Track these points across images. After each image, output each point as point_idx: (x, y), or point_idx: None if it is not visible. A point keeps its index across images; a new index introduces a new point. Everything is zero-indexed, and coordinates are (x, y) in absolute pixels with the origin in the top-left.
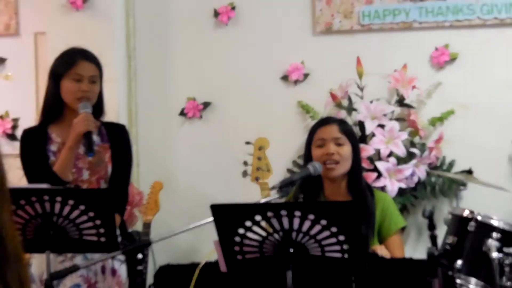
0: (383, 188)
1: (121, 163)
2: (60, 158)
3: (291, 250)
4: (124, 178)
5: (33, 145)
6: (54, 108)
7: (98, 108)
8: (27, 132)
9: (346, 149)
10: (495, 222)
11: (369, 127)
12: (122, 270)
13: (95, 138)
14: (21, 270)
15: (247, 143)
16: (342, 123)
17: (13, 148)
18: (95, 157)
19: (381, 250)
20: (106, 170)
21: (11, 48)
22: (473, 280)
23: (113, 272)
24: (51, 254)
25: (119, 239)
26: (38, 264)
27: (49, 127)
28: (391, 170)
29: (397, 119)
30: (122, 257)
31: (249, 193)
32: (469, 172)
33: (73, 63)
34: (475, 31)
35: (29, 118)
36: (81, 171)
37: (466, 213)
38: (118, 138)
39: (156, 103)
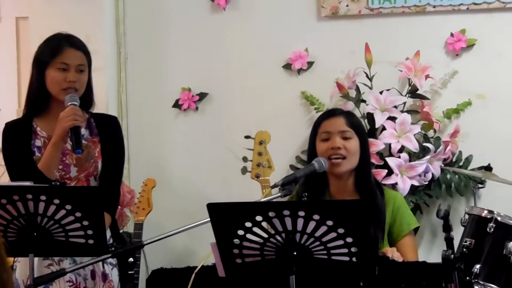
0: (394, 186)
1: (112, 159)
2: (44, 155)
3: (295, 253)
4: (116, 175)
5: (17, 139)
6: (39, 99)
7: (86, 99)
8: (10, 126)
9: (353, 143)
10: None
11: (379, 120)
12: (114, 274)
13: (84, 131)
14: (4, 275)
15: (247, 137)
16: (349, 116)
17: None
18: (83, 152)
19: (392, 253)
20: (96, 166)
21: None
22: (492, 286)
23: (104, 276)
24: (36, 257)
25: (110, 241)
26: (23, 268)
27: (34, 120)
28: (402, 166)
29: (409, 111)
30: (114, 260)
31: (249, 191)
32: (488, 168)
33: (58, 51)
34: (494, 15)
35: (11, 110)
36: (68, 167)
37: (484, 213)
38: (108, 131)
39: (148, 94)
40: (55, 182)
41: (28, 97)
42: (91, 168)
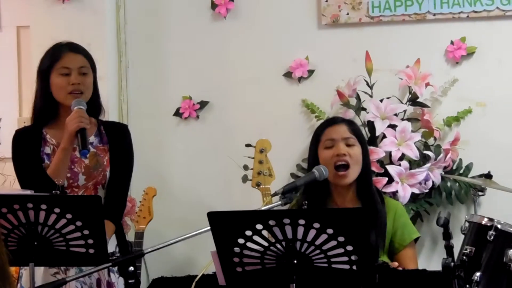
0: (394, 194)
1: (120, 167)
2: (54, 160)
3: (295, 262)
4: (124, 184)
5: (27, 147)
6: (46, 108)
7: (94, 105)
8: (20, 133)
9: (357, 151)
10: None
11: (379, 128)
12: (120, 283)
13: (93, 139)
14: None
15: (248, 145)
16: (351, 123)
17: None
18: (92, 160)
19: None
20: (104, 175)
21: None
22: None
23: (109, 285)
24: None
25: (116, 249)
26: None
27: (44, 128)
28: (403, 174)
29: (410, 119)
30: None
31: (249, 199)
32: (488, 176)
33: (58, 56)
34: (494, 23)
35: (12, 118)
36: (76, 175)
37: (485, 221)
38: (118, 139)
39: (149, 103)
40: (55, 191)
41: (34, 107)
42: (99, 176)
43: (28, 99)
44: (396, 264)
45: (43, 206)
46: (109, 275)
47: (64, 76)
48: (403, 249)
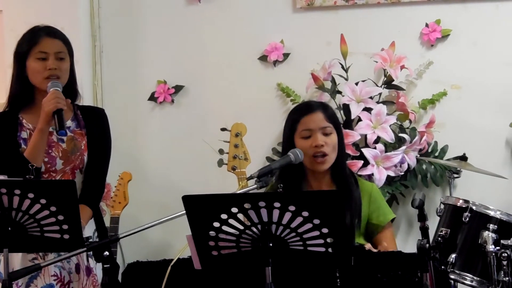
0: (370, 177)
1: (98, 151)
2: (30, 142)
3: (271, 245)
4: (102, 168)
5: (3, 131)
6: (22, 93)
7: (71, 90)
8: None
9: (334, 138)
10: (491, 212)
11: (355, 111)
12: (98, 268)
13: (70, 123)
14: None
15: (223, 129)
16: (326, 109)
17: None
18: (69, 144)
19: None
20: (82, 159)
21: None
22: (468, 275)
23: (88, 270)
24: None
25: (94, 234)
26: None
27: (20, 113)
28: (378, 157)
29: (385, 102)
30: None
31: (225, 183)
32: (463, 158)
33: (35, 41)
34: (469, 6)
35: None
36: (54, 160)
37: (460, 202)
38: (95, 124)
39: (123, 87)
40: (29, 176)
41: (10, 91)
42: (77, 161)
43: (1, 85)
44: (369, 245)
45: (17, 191)
46: (87, 260)
47: (41, 60)
48: (381, 230)
